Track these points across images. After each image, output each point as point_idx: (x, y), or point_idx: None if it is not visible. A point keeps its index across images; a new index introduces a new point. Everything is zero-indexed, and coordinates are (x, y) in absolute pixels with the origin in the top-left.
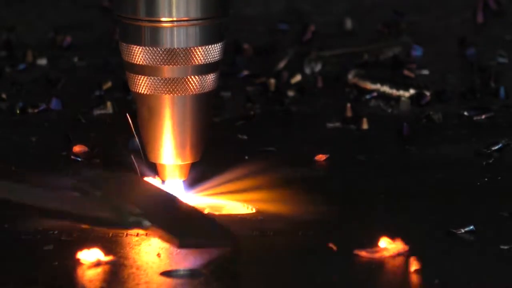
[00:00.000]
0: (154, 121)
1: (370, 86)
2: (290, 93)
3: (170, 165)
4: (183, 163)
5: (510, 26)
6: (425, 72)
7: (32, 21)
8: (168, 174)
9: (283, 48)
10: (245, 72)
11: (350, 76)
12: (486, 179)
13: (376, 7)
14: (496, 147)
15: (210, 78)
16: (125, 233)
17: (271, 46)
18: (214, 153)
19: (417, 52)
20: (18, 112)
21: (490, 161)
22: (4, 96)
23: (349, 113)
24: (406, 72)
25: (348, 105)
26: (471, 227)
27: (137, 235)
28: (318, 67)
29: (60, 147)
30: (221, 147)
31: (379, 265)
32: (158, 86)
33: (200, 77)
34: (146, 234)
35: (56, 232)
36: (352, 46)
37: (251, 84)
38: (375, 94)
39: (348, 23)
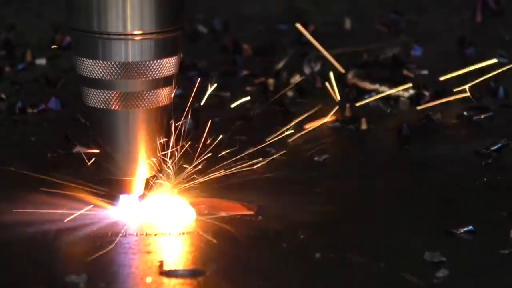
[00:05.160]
0: (107, 136)
1: (369, 86)
2: (290, 93)
3: (123, 180)
4: (136, 178)
5: (509, 26)
6: (425, 72)
7: (32, 20)
8: (121, 189)
9: (282, 48)
10: (244, 72)
11: (350, 76)
12: (485, 179)
13: (375, 7)
14: (496, 147)
15: (165, 92)
16: (124, 233)
17: (270, 46)
18: (214, 153)
19: (416, 52)
20: (17, 111)
21: (490, 161)
22: (3, 95)
23: (348, 113)
24: (405, 72)
25: (347, 105)
26: (470, 227)
27: (136, 234)
28: (317, 67)
29: (59, 146)
30: (221, 147)
31: (377, 265)
32: (112, 100)
33: (155, 91)
34: (146, 234)
35: (55, 232)
36: (352, 46)
37: (251, 84)
38: (374, 94)
39: (348, 23)
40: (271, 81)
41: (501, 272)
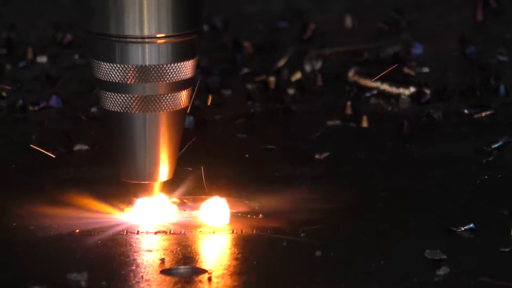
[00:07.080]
0: (125, 139)
1: (370, 84)
2: (290, 91)
3: (141, 183)
4: (154, 182)
5: (510, 24)
6: (426, 70)
7: (33, 18)
8: (140, 193)
9: (283, 46)
10: (245, 70)
11: (351, 74)
12: (486, 177)
13: (376, 5)
14: (496, 145)
15: (182, 95)
16: (125, 231)
17: (271, 44)
18: (214, 152)
19: (417, 50)
20: (18, 109)
21: (490, 159)
22: (4, 93)
23: (349, 111)
24: (406, 70)
25: (348, 103)
26: (471, 225)
27: (137, 233)
28: (318, 65)
29: (60, 145)
30: (221, 145)
31: (378, 264)
32: (129, 103)
33: (173, 94)
34: (146, 232)
35: (57, 230)
36: (352, 44)
37: (251, 82)
38: (375, 92)
39: (348, 21)
40: (272, 79)
41: (501, 270)
